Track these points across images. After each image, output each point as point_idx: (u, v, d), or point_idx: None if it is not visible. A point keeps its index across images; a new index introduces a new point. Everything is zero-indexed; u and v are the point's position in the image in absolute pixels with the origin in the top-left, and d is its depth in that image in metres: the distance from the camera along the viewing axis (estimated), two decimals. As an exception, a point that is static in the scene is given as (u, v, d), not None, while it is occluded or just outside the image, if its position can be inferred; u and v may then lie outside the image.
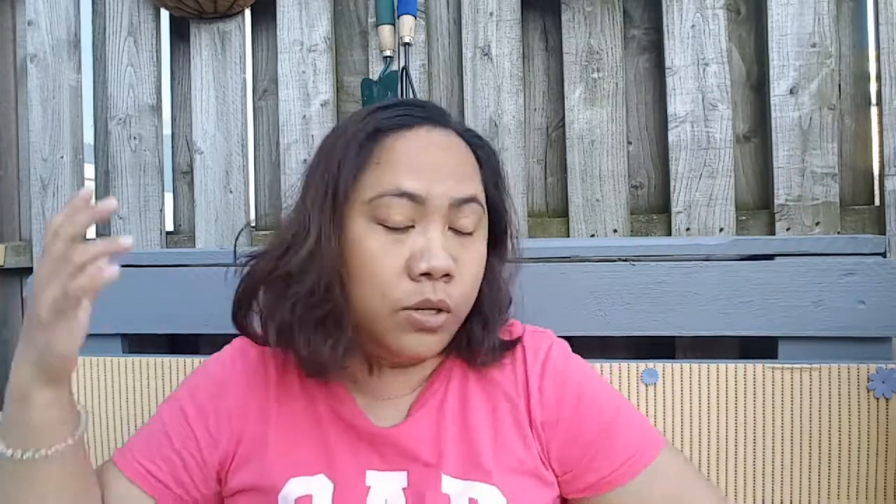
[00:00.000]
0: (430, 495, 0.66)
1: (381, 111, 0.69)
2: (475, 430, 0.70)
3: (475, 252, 0.68)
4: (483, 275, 0.71)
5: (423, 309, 0.64)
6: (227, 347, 0.81)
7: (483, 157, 0.71)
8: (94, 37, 1.43)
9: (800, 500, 0.94)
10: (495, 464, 0.69)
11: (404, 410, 0.72)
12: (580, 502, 0.71)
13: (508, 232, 0.76)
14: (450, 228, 0.66)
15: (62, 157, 1.37)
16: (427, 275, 0.63)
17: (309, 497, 0.66)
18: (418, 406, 0.72)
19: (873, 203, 1.15)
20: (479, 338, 0.72)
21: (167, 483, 0.71)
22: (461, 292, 0.66)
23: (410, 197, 0.64)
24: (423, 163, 0.65)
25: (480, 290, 0.71)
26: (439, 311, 0.65)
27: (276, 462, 0.70)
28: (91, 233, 1.40)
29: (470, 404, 0.72)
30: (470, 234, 0.67)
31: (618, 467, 0.69)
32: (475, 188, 0.68)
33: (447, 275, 0.64)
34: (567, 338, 0.99)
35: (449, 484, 0.67)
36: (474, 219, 0.67)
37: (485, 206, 0.69)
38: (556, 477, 0.71)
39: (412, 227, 0.65)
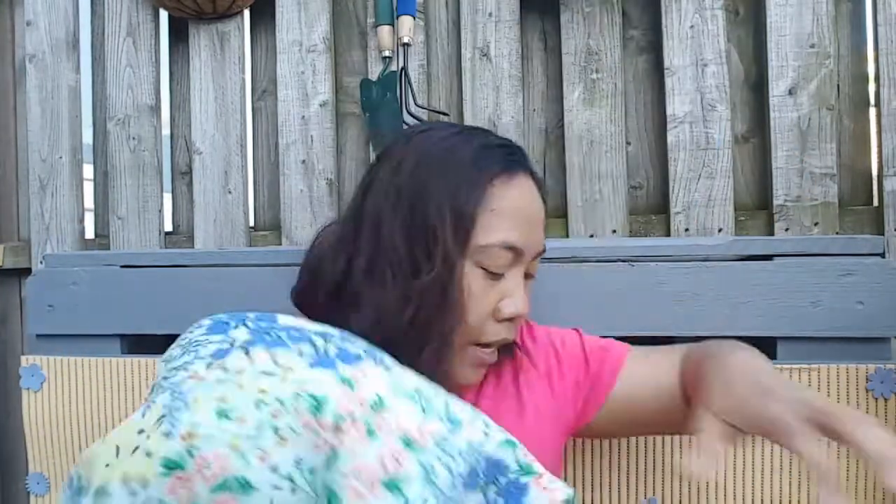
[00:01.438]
0: None
1: (488, 150, 0.70)
2: (498, 408, 0.75)
3: (530, 294, 0.73)
4: None
5: (489, 346, 0.70)
6: None
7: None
8: (92, 37, 1.43)
9: (798, 501, 0.94)
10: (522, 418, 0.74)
11: None
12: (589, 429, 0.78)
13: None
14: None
15: (61, 158, 1.37)
16: (510, 319, 0.69)
17: None
18: None
19: (872, 203, 1.15)
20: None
21: None
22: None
23: (514, 250, 0.68)
24: (526, 216, 0.70)
25: None
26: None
27: None
28: (90, 233, 1.40)
29: (492, 384, 0.77)
30: (532, 277, 0.73)
31: (601, 365, 0.77)
32: (543, 239, 0.73)
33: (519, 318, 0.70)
34: (566, 338, 0.99)
35: None
36: (537, 266, 0.73)
37: None
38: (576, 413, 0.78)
39: (502, 274, 0.69)
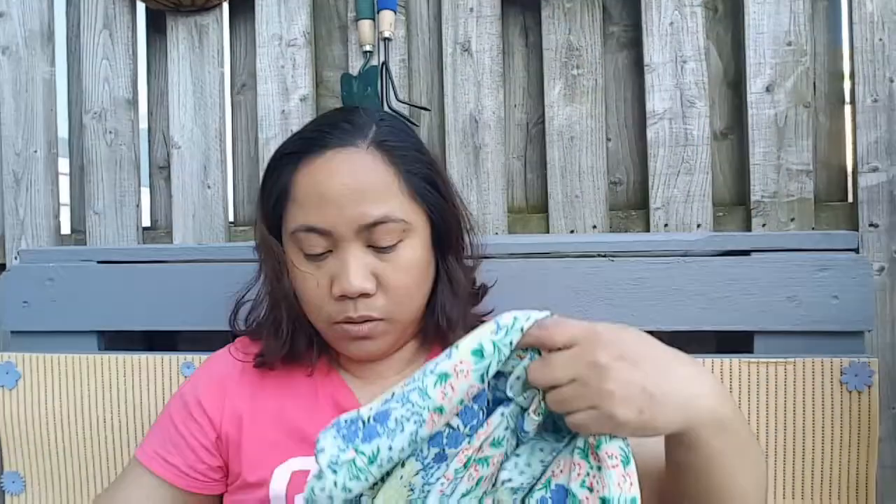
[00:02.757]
0: None
1: (292, 142, 0.77)
2: None
3: (400, 262, 0.72)
4: (435, 274, 0.77)
5: (348, 323, 0.72)
6: (229, 345, 0.88)
7: (406, 165, 0.73)
8: (68, 29, 1.40)
9: (773, 492, 0.96)
10: None
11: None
12: None
13: (462, 226, 0.80)
14: (369, 246, 0.71)
15: (36, 152, 1.34)
16: (345, 297, 0.71)
17: (307, 472, 0.70)
18: None
19: (847, 200, 1.17)
20: (443, 326, 0.77)
21: (178, 466, 0.77)
22: (390, 302, 0.72)
23: (317, 231, 0.71)
24: (325, 195, 0.70)
25: (436, 287, 0.78)
26: (370, 320, 0.72)
27: (276, 445, 0.76)
28: (66, 228, 1.38)
29: None
30: (391, 247, 0.71)
31: None
32: (389, 205, 0.71)
33: (365, 294, 0.71)
34: (546, 333, 0.99)
35: None
36: (392, 235, 0.71)
37: (407, 219, 0.72)
38: None
39: (331, 251, 0.72)
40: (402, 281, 0.72)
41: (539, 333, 0.56)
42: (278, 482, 0.73)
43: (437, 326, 0.78)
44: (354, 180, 0.70)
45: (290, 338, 0.78)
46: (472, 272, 0.85)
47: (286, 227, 0.74)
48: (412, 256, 0.73)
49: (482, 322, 0.80)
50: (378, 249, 0.71)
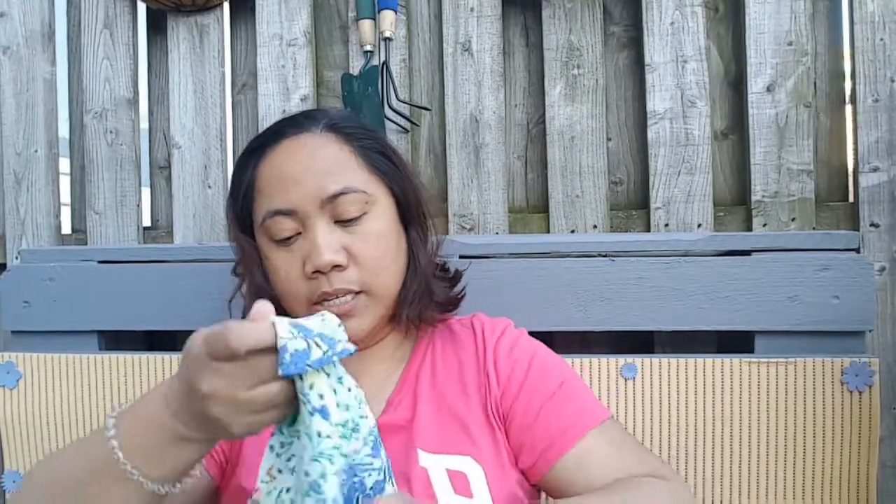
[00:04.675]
0: (411, 472, 0.71)
1: (254, 141, 0.80)
2: (449, 410, 0.75)
3: (367, 233, 0.74)
4: (403, 249, 0.78)
5: (327, 300, 0.72)
6: None
7: (361, 143, 0.77)
8: (68, 29, 1.40)
9: (775, 492, 0.96)
10: (470, 437, 0.74)
11: (383, 400, 0.78)
12: (544, 483, 0.75)
13: (422, 204, 0.81)
14: (336, 221, 0.73)
15: (36, 151, 1.34)
16: (319, 272, 0.71)
17: None
18: (395, 393, 0.78)
19: (847, 199, 1.17)
20: (414, 301, 0.78)
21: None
22: (364, 273, 0.73)
23: (282, 213, 0.73)
24: (286, 177, 0.73)
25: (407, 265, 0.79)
26: (347, 293, 0.72)
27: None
28: (67, 228, 1.38)
29: (440, 386, 0.78)
30: (356, 219, 0.73)
31: (549, 444, 0.73)
32: (348, 178, 0.73)
33: (337, 266, 0.71)
34: (547, 333, 1.00)
35: (425, 458, 0.72)
36: (356, 206, 0.73)
37: (368, 190, 0.74)
38: (516, 459, 0.75)
39: (299, 233, 0.73)
40: (372, 252, 0.73)
41: None
42: None
43: (412, 303, 0.78)
44: (311, 158, 0.74)
45: None
46: (439, 249, 0.85)
47: (256, 221, 0.76)
48: (379, 227, 0.75)
49: (458, 301, 0.85)
50: (344, 223, 0.73)
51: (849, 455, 0.95)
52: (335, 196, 0.72)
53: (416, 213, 0.80)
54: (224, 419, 0.51)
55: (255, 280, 0.78)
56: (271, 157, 0.75)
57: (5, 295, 1.13)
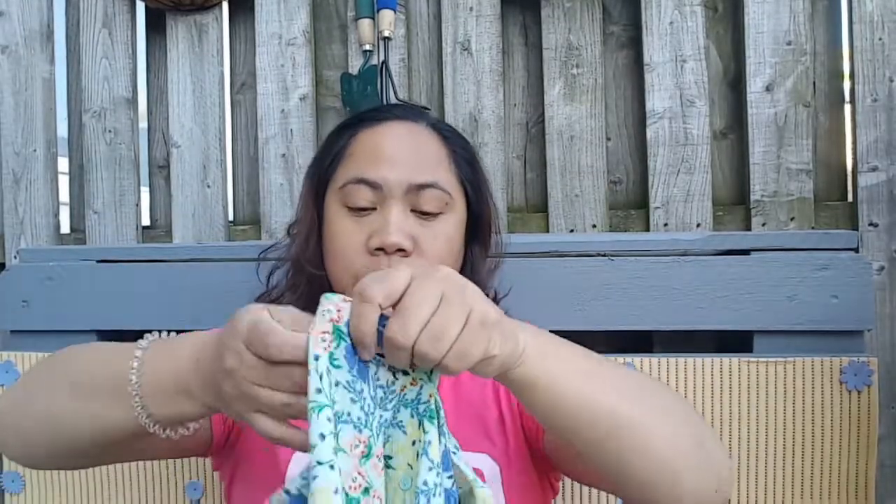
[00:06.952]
0: None
1: (359, 114, 0.81)
2: (465, 404, 0.76)
3: (439, 231, 0.74)
4: (462, 261, 0.80)
5: None
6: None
7: (456, 150, 0.79)
8: (67, 28, 1.40)
9: (773, 491, 0.96)
10: (488, 435, 0.74)
11: None
12: (549, 444, 0.75)
13: (492, 225, 0.83)
14: (413, 211, 0.74)
15: (35, 151, 1.34)
16: (382, 250, 0.71)
17: None
18: None
19: (846, 199, 1.17)
20: None
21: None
22: (421, 265, 0.69)
23: (368, 183, 0.73)
24: (383, 151, 0.74)
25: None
26: None
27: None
28: (65, 227, 1.38)
29: (458, 385, 0.78)
30: (433, 215, 0.74)
31: None
32: (438, 175, 0.75)
33: (402, 250, 0.71)
34: (546, 332, 0.99)
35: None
36: (437, 203, 0.74)
37: (452, 194, 0.76)
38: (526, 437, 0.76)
39: (374, 209, 0.73)
40: (438, 250, 0.74)
41: (374, 293, 0.47)
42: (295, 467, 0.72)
43: None
44: (412, 144, 0.76)
45: (305, 298, 0.79)
46: (493, 274, 0.87)
47: (334, 185, 0.77)
48: (450, 230, 0.76)
49: None
50: (421, 214, 0.74)
51: (847, 454, 0.95)
52: (423, 187, 0.73)
53: (482, 233, 0.82)
54: (226, 398, 0.51)
55: (307, 245, 0.79)
56: (375, 129, 0.77)
57: (4, 294, 1.13)
